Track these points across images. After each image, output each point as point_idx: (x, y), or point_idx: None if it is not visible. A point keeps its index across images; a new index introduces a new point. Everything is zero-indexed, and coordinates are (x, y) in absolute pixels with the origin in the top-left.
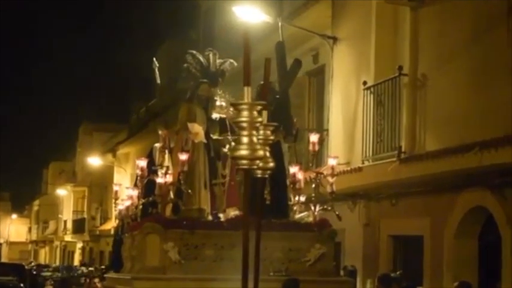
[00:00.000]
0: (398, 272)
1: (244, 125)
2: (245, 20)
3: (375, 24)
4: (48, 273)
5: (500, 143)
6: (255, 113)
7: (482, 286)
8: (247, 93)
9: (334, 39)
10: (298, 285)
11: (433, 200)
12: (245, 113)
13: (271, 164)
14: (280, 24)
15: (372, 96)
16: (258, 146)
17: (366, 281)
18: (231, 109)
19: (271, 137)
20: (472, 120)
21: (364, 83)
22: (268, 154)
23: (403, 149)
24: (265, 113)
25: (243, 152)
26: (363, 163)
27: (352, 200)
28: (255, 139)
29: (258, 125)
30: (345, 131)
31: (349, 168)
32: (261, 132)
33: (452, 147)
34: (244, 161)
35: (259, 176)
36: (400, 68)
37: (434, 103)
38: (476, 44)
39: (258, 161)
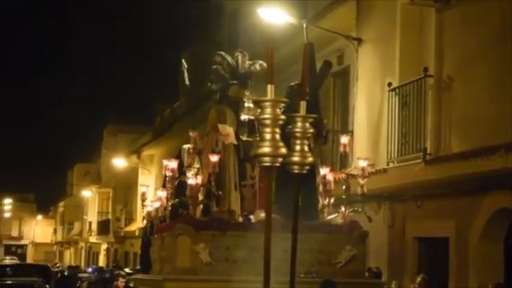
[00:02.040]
0: (421, 276)
1: (267, 122)
2: (270, 22)
3: (399, 26)
4: (85, 275)
5: None
6: (278, 110)
7: None
8: (271, 91)
9: (359, 40)
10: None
11: (459, 201)
12: (268, 110)
13: (310, 159)
14: (304, 25)
15: (396, 97)
16: (281, 143)
17: (390, 283)
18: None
19: (311, 130)
20: (498, 122)
21: (389, 84)
22: (306, 148)
23: (428, 151)
24: (303, 104)
25: (266, 149)
26: (388, 164)
27: (377, 202)
28: (277, 136)
29: (281, 122)
30: (369, 132)
31: (374, 170)
32: (299, 124)
33: (478, 148)
34: (267, 158)
35: (296, 171)
36: (426, 69)
37: (460, 104)
38: (502, 45)
39: (280, 159)
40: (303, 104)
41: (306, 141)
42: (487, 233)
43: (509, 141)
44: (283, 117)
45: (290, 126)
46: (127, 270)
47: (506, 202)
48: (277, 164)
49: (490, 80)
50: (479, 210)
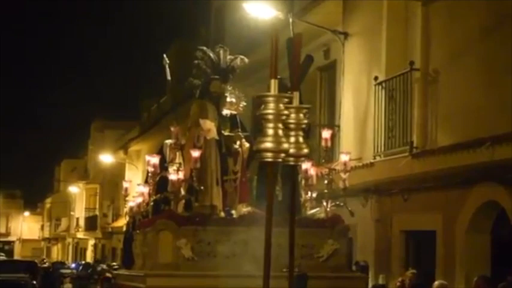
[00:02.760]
0: (410, 271)
1: (270, 117)
2: (256, 17)
3: (386, 20)
4: (68, 271)
5: None
6: (281, 105)
7: (494, 280)
8: (274, 86)
9: (345, 34)
10: (306, 280)
11: (445, 195)
12: (271, 105)
13: (306, 150)
14: (291, 20)
15: (383, 91)
16: (283, 139)
17: (377, 277)
18: (241, 105)
19: (305, 121)
20: (484, 115)
21: (376, 78)
22: (301, 139)
23: (414, 144)
24: (296, 94)
25: (268, 144)
26: (375, 158)
27: (364, 196)
28: (280, 132)
29: (284, 117)
30: (356, 126)
31: (360, 164)
32: (293, 116)
33: (464, 142)
34: (269, 154)
35: (292, 163)
36: (412, 63)
37: (446, 98)
38: (488, 38)
39: (282, 154)
40: (296, 95)
41: (300, 133)
42: (473, 225)
43: (496, 134)
44: (285, 112)
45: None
46: (114, 265)
47: (492, 195)
48: (280, 160)
49: (476, 73)
50: (466, 203)
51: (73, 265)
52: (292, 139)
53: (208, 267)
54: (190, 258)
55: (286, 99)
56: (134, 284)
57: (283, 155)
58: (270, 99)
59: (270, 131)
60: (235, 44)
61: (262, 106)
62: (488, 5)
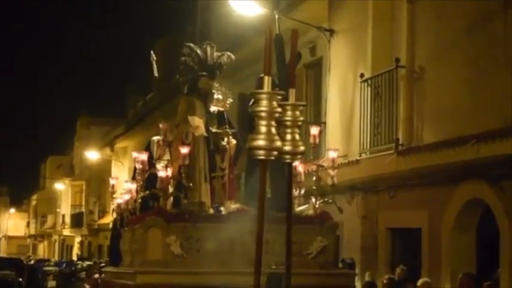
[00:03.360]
0: (400, 268)
1: (263, 114)
2: (242, 14)
3: (371, 17)
4: (51, 268)
5: (497, 135)
6: (275, 103)
7: (479, 278)
8: (267, 83)
9: (331, 31)
10: (281, 280)
11: (431, 192)
12: (264, 103)
13: (302, 148)
14: (277, 17)
15: (369, 88)
16: (276, 137)
17: (364, 274)
18: (228, 102)
19: (301, 118)
20: (469, 112)
21: (362, 75)
22: (297, 137)
23: (400, 142)
24: (292, 91)
25: (261, 142)
26: (361, 156)
27: (350, 193)
28: (273, 130)
29: (276, 115)
30: (342, 123)
31: (346, 161)
32: (289, 113)
33: (450, 139)
34: (261, 152)
35: (288, 161)
36: (397, 60)
37: (432, 95)
38: (474, 36)
39: (275, 152)
40: (292, 92)
41: (296, 130)
42: (459, 223)
43: (481, 132)
44: (279, 109)
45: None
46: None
47: (478, 192)
48: (272, 158)
49: (462, 71)
50: (451, 200)
51: (57, 262)
52: (289, 136)
53: (197, 264)
54: (179, 255)
55: (279, 97)
56: (123, 281)
57: (275, 152)
58: (263, 96)
59: (263, 129)
60: (222, 41)
61: (252, 102)
62: (474, 2)
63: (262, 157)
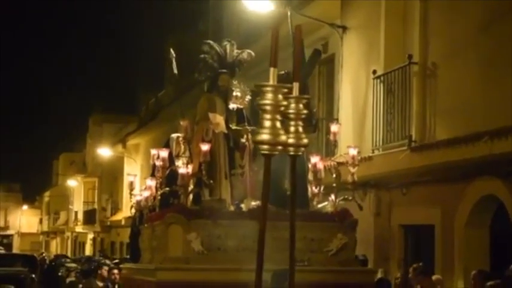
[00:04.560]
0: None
1: (268, 108)
2: (255, 10)
3: (384, 13)
4: (73, 265)
5: (510, 132)
6: (280, 96)
7: (492, 275)
8: (273, 75)
9: (344, 28)
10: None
11: (444, 189)
12: (269, 96)
13: (305, 141)
14: (289, 13)
15: (382, 85)
16: (281, 131)
17: (377, 271)
18: (247, 99)
19: (304, 111)
20: (483, 109)
21: (374, 72)
22: (301, 129)
23: (413, 138)
24: (296, 85)
25: (265, 136)
26: (373, 152)
27: (363, 190)
28: (278, 124)
29: (282, 108)
30: (354, 120)
31: (359, 158)
32: (293, 105)
33: (463, 136)
34: (265, 146)
35: (292, 154)
36: (410, 56)
37: (445, 92)
38: (486, 32)
39: (279, 147)
40: (296, 85)
41: (300, 123)
42: (472, 219)
43: (494, 128)
44: (284, 103)
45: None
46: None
47: (491, 189)
48: (276, 152)
49: (474, 67)
50: (464, 197)
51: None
52: (292, 129)
53: (218, 261)
54: (200, 252)
55: (285, 90)
56: (143, 278)
57: (280, 147)
58: (268, 89)
59: (267, 123)
60: (234, 38)
61: (260, 96)
62: (486, 2)
63: (266, 152)
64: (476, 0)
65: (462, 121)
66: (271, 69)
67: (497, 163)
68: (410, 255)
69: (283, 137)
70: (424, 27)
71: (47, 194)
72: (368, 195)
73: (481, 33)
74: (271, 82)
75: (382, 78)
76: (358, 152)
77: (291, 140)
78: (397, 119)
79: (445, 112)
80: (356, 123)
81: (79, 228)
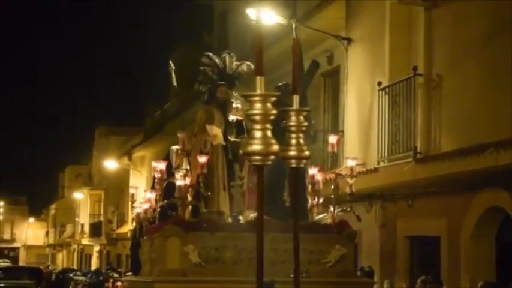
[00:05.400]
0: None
1: (257, 118)
2: (259, 22)
3: (389, 25)
4: (80, 278)
5: None
6: (269, 105)
7: (499, 286)
8: (260, 84)
9: (349, 40)
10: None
11: (450, 200)
12: (258, 106)
13: (307, 153)
14: (294, 25)
15: (386, 96)
16: (273, 141)
17: (382, 282)
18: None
19: (305, 123)
20: (488, 120)
21: (379, 83)
22: (302, 141)
23: (418, 150)
24: (296, 98)
25: (256, 147)
26: (379, 164)
27: (369, 201)
28: (269, 133)
29: (272, 117)
30: (360, 131)
31: (364, 169)
32: (293, 118)
33: (468, 147)
34: (257, 157)
35: (293, 166)
36: (415, 68)
37: (450, 103)
38: (491, 44)
39: (272, 157)
40: (295, 98)
41: (301, 135)
42: (478, 231)
43: (499, 139)
44: (274, 111)
45: (284, 122)
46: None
47: (497, 200)
48: (269, 163)
49: (479, 78)
50: (470, 208)
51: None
52: (293, 141)
53: (215, 273)
54: (197, 264)
55: (273, 98)
56: None
57: (272, 157)
58: (256, 98)
59: (258, 133)
60: (239, 50)
61: (249, 107)
62: (492, 11)
63: (258, 163)
64: (480, 12)
65: (467, 132)
66: (258, 78)
67: (503, 174)
68: (416, 267)
69: (275, 147)
70: (429, 39)
71: (53, 206)
72: (374, 207)
73: (485, 44)
74: (258, 91)
75: (387, 89)
76: (364, 164)
77: (292, 153)
78: (402, 131)
79: (450, 123)
80: (361, 135)
81: (85, 241)
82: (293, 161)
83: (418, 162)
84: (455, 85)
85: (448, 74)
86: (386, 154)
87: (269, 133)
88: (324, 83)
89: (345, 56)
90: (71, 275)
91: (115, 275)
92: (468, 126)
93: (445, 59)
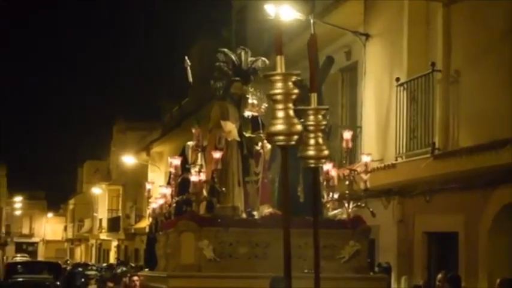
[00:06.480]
0: (442, 273)
1: (279, 97)
2: (277, 18)
3: (407, 20)
4: (93, 272)
5: None
6: (290, 84)
7: None
8: (280, 63)
9: (367, 35)
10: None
11: (467, 196)
12: (279, 85)
13: (326, 152)
14: (312, 21)
15: (405, 92)
16: (295, 120)
17: (400, 278)
18: (263, 107)
19: (324, 122)
20: (506, 116)
21: (397, 79)
22: (321, 141)
23: (436, 145)
24: (314, 96)
25: (279, 127)
26: (397, 160)
27: (386, 197)
28: (291, 112)
29: (293, 96)
30: (378, 127)
31: (382, 165)
32: (312, 117)
33: (486, 143)
34: (281, 137)
35: (312, 166)
36: (433, 64)
37: (468, 99)
38: (510, 39)
39: (295, 137)
40: (313, 96)
41: (319, 134)
42: (496, 227)
43: None
44: (296, 91)
45: (302, 120)
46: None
47: None
48: (293, 143)
49: (497, 74)
50: (488, 204)
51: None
52: (312, 141)
53: (230, 269)
54: (212, 259)
55: (294, 77)
56: (157, 285)
57: (296, 137)
58: (277, 78)
59: (280, 113)
60: (257, 45)
61: (270, 87)
62: (510, 6)
63: (281, 143)
64: (498, 7)
65: (485, 128)
66: (278, 57)
67: None
68: (434, 263)
69: (298, 127)
70: (447, 35)
71: (71, 201)
72: (391, 203)
73: (504, 40)
74: (278, 70)
75: (405, 85)
76: (381, 160)
77: (311, 152)
78: (420, 127)
79: (468, 119)
80: (379, 131)
81: (103, 236)
82: (312, 160)
83: (436, 158)
84: (474, 81)
85: (466, 69)
86: (404, 150)
87: (291, 112)
88: (342, 78)
89: (363, 52)
90: (80, 269)
91: (124, 269)
92: (486, 122)
93: (463, 55)
